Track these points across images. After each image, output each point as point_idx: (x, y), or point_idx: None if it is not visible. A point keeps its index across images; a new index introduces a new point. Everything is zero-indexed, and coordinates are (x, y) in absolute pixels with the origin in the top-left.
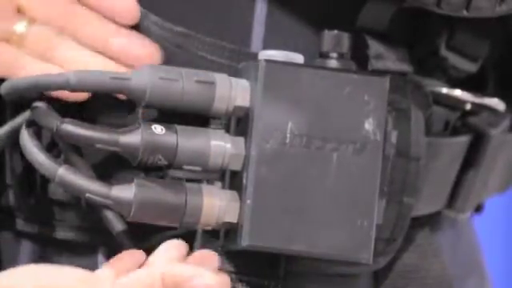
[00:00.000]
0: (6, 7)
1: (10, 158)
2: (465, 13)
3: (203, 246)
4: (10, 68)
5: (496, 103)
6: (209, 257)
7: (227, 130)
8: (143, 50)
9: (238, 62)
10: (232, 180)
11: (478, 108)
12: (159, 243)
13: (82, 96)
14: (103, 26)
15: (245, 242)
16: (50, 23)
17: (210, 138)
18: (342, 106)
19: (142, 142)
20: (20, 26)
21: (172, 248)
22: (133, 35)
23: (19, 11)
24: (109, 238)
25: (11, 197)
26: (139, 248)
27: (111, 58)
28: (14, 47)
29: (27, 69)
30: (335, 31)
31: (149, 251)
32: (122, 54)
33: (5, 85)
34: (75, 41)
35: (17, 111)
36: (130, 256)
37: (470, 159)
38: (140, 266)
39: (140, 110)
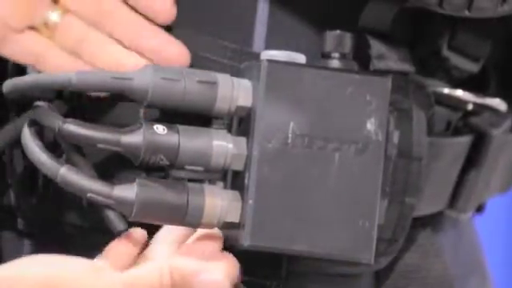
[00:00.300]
0: None
1: (12, 157)
2: (467, 13)
3: None
4: (38, 57)
5: (498, 103)
6: (212, 238)
7: (229, 130)
8: (174, 51)
9: (240, 62)
10: (234, 180)
11: (480, 108)
12: None
13: None
14: (138, 24)
15: (246, 242)
16: (84, 17)
17: (212, 138)
18: (343, 106)
19: (143, 142)
20: (54, 15)
21: (171, 233)
22: (165, 36)
23: (55, 2)
24: (110, 238)
25: (12, 196)
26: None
27: (142, 56)
28: (44, 37)
29: (54, 61)
30: (337, 31)
31: None
32: (153, 54)
33: (7, 84)
34: (107, 36)
35: (20, 111)
36: (129, 242)
37: (472, 159)
38: (140, 252)
39: (142, 110)
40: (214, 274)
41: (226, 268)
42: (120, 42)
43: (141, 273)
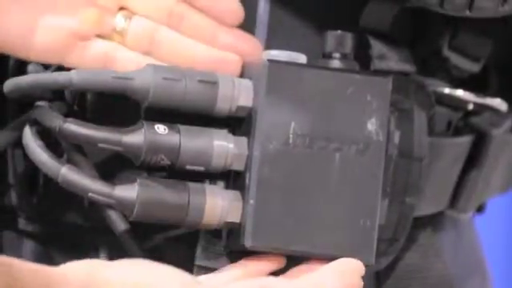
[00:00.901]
0: (109, 4)
1: (13, 157)
2: (467, 13)
3: (205, 246)
4: (105, 62)
5: (498, 103)
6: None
7: (230, 130)
8: (249, 46)
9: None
10: (235, 180)
11: (481, 108)
12: (162, 243)
13: None
14: (209, 25)
15: (248, 242)
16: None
17: (212, 138)
18: (344, 107)
19: (144, 142)
20: (121, 21)
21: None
22: (237, 31)
23: (122, 9)
24: (111, 237)
25: (13, 196)
26: (141, 248)
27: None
28: (114, 43)
29: (122, 62)
30: (338, 31)
31: (152, 251)
32: (229, 50)
33: (7, 83)
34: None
35: (20, 111)
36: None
37: (473, 159)
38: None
39: (143, 110)
40: None
41: None
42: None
43: None
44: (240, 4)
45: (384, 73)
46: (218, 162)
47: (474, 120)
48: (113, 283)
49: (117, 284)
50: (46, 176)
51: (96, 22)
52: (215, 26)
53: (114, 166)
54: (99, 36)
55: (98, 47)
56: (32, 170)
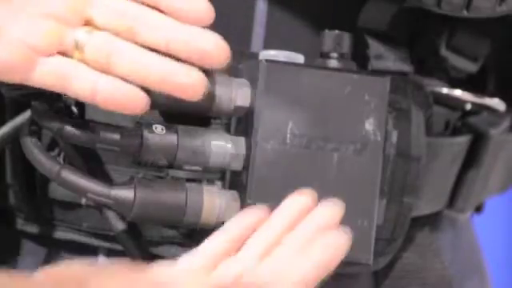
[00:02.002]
0: (71, 18)
1: (11, 157)
2: (465, 13)
3: None
4: (65, 80)
5: (496, 103)
6: None
7: (228, 130)
8: (208, 43)
9: (239, 62)
10: (232, 180)
11: (479, 108)
12: (159, 243)
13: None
14: (171, 26)
15: None
16: (114, 30)
17: (210, 138)
18: (342, 106)
19: (142, 142)
20: (82, 35)
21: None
22: (194, 30)
23: (86, 24)
24: (109, 238)
25: (12, 196)
26: (140, 248)
27: (175, 56)
28: (75, 59)
29: (80, 82)
30: (336, 31)
31: (149, 252)
32: (185, 50)
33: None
34: (135, 43)
35: (17, 111)
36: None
37: (471, 159)
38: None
39: None
40: None
41: None
42: (157, 49)
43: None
44: (209, 3)
45: (382, 73)
46: (215, 162)
47: (472, 120)
48: None
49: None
50: (43, 176)
51: (56, 36)
52: (170, 25)
53: (111, 167)
54: (60, 52)
55: (57, 63)
56: (30, 170)
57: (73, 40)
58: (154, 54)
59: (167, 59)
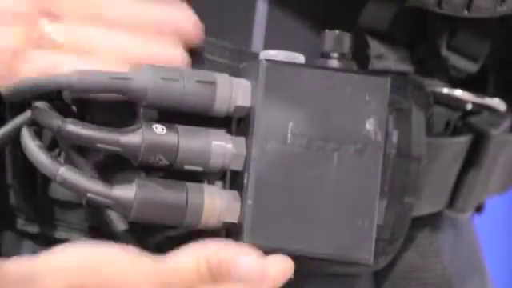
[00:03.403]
0: (31, 12)
1: (11, 157)
2: (466, 13)
3: None
4: (49, 70)
5: (497, 103)
6: None
7: (228, 130)
8: (180, 17)
9: (239, 62)
10: (233, 180)
11: (479, 108)
12: (160, 243)
13: None
14: (137, 9)
15: (246, 242)
16: (80, 17)
17: (211, 138)
18: (343, 106)
19: (142, 142)
20: (47, 26)
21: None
22: (165, 4)
23: (49, 16)
24: (110, 238)
25: (12, 196)
26: (143, 247)
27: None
28: (48, 50)
29: (61, 65)
30: (336, 31)
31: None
32: (157, 27)
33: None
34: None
35: (17, 111)
36: None
37: (471, 159)
38: None
39: (141, 110)
40: (252, 255)
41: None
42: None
43: (176, 260)
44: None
45: (382, 73)
46: (216, 162)
47: (473, 120)
48: (56, 271)
49: (60, 271)
50: (44, 176)
51: (25, 33)
52: (138, 6)
53: (112, 167)
54: (37, 47)
55: (38, 59)
56: (31, 170)
57: (38, 32)
58: (125, 32)
59: (139, 35)
